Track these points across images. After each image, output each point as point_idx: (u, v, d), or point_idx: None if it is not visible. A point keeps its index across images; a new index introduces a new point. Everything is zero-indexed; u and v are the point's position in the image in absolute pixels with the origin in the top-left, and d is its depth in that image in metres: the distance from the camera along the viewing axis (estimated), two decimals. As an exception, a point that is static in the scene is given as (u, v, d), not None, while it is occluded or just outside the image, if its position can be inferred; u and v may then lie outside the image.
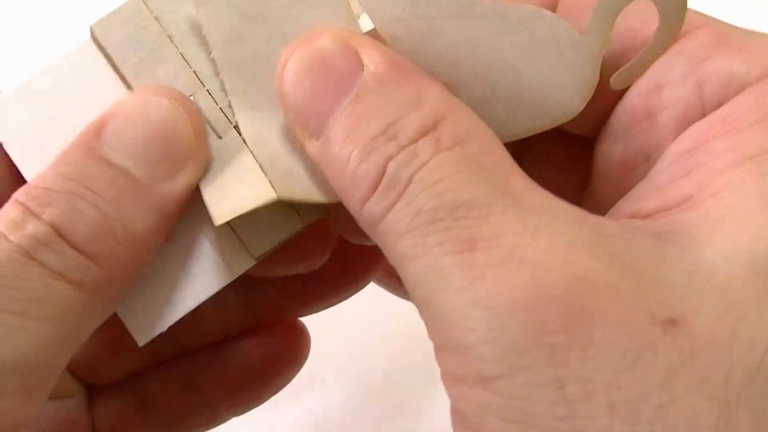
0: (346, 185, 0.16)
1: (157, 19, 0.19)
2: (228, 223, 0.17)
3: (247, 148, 0.18)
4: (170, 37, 0.19)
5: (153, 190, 0.17)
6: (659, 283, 0.14)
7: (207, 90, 0.19)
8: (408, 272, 0.15)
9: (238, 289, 0.23)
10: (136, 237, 0.17)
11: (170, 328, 0.18)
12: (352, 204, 0.16)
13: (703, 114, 0.17)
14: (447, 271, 0.14)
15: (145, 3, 0.19)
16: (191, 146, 0.18)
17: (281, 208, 0.19)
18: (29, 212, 0.16)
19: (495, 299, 0.14)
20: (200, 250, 0.19)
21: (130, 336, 0.18)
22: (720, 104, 0.17)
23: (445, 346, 0.15)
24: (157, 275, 0.18)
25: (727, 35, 0.17)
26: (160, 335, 0.18)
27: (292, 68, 0.17)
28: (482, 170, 0.15)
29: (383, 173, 0.15)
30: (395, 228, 0.15)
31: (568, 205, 0.16)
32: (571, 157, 0.21)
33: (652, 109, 0.18)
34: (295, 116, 0.17)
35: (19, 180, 0.18)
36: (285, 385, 0.25)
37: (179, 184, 0.18)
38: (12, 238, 0.16)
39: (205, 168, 0.18)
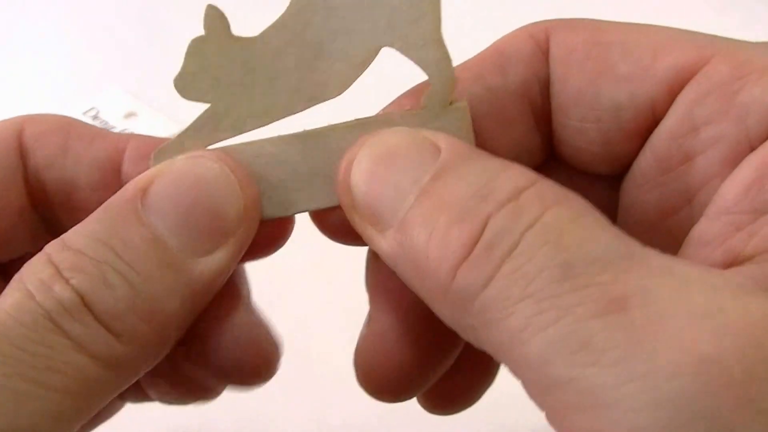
0: (429, 262, 0.14)
1: None
2: None
3: None
4: None
5: (187, 266, 0.17)
6: None
7: None
8: (530, 348, 0.13)
9: None
10: (164, 317, 0.16)
11: None
12: (436, 281, 0.14)
13: (751, 148, 0.16)
14: (597, 339, 0.12)
15: None
16: (238, 220, 0.17)
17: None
18: (58, 274, 0.16)
19: (673, 366, 0.12)
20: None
21: None
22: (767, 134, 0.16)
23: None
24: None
25: (742, 59, 0.17)
26: None
27: (363, 164, 0.16)
28: (600, 223, 0.14)
29: (480, 234, 0.14)
30: (505, 295, 0.13)
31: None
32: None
33: (690, 152, 0.17)
34: (366, 211, 0.16)
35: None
36: None
37: (216, 261, 0.17)
38: (39, 299, 0.15)
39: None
